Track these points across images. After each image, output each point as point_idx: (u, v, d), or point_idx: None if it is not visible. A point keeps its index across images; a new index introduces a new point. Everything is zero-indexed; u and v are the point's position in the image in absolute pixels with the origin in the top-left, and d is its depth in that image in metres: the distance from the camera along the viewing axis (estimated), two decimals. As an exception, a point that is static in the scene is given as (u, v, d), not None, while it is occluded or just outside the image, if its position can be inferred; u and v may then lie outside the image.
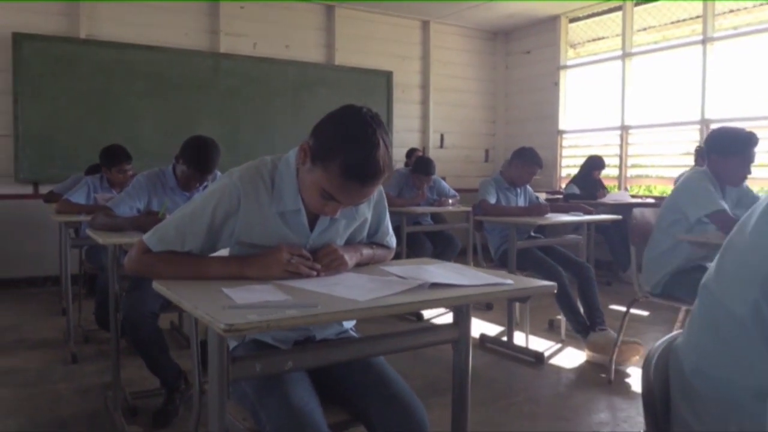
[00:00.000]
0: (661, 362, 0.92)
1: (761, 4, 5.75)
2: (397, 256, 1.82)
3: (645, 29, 6.81)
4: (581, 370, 3.43)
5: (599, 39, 7.40)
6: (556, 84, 7.73)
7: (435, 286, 1.37)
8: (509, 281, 1.44)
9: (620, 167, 6.97)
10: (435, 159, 5.60)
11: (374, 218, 1.71)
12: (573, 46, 7.71)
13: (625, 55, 6.87)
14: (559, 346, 3.88)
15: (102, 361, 3.46)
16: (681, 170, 5.87)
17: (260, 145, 6.51)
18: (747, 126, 3.18)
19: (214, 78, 6.41)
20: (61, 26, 5.80)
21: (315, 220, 1.57)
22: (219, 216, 1.50)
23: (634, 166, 7.00)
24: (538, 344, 3.87)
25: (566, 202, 5.69)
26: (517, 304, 3.94)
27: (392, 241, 1.79)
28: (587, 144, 7.43)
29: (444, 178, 5.98)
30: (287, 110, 6.77)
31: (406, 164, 6.57)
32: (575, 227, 5.02)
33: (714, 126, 5.91)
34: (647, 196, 6.87)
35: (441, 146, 8.03)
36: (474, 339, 3.61)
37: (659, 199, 6.33)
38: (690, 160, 6.01)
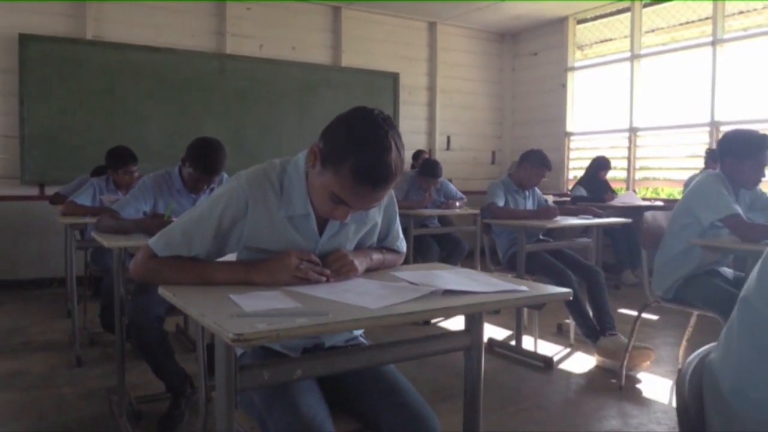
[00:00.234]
0: (695, 378, 0.87)
1: (772, 6, 5.69)
2: (404, 260, 1.78)
3: (653, 31, 6.75)
4: (591, 376, 3.38)
5: (607, 40, 7.35)
6: (564, 86, 7.69)
7: (448, 293, 1.34)
8: (524, 287, 1.41)
9: (628, 169, 6.92)
10: (441, 161, 5.57)
11: (384, 222, 1.68)
12: (580, 47, 7.66)
13: (634, 57, 6.82)
14: (568, 350, 3.84)
15: (107, 365, 3.43)
16: (690, 173, 5.82)
17: (266, 146, 6.49)
18: (758, 128, 3.13)
19: (220, 79, 6.39)
20: (68, 27, 5.79)
21: (324, 225, 1.53)
22: (226, 220, 1.47)
23: (642, 168, 6.95)
24: (547, 349, 3.83)
25: (574, 205, 5.65)
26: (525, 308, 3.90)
27: (402, 245, 1.75)
28: (595, 146, 7.37)
29: (450, 180, 5.94)
30: (293, 112, 6.74)
31: (413, 166, 6.54)
32: (584, 230, 4.97)
33: (724, 128, 5.87)
34: (655, 199, 6.82)
35: (447, 148, 7.99)
36: (482, 343, 3.56)
37: (667, 202, 6.28)
38: (699, 163, 5.95)
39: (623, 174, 6.99)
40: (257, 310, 1.17)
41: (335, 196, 1.38)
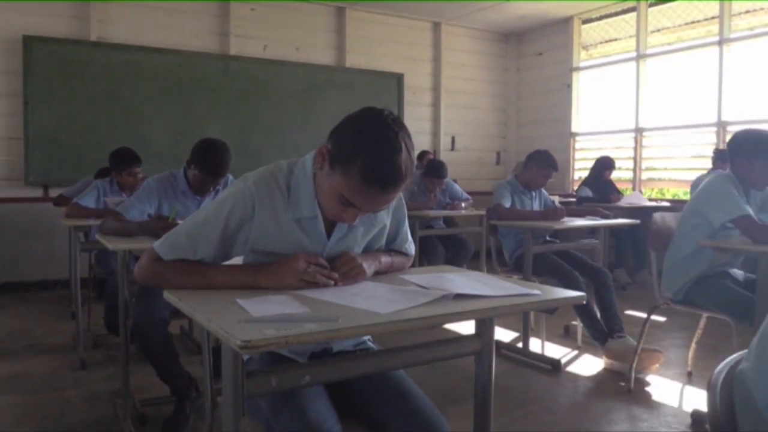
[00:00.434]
0: (725, 388, 0.84)
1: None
2: (410, 262, 1.75)
3: (659, 30, 6.72)
4: (599, 378, 3.35)
5: (612, 40, 7.31)
6: (569, 86, 7.65)
7: (459, 297, 1.31)
8: (536, 291, 1.38)
9: (634, 170, 6.88)
10: (446, 161, 5.53)
11: (393, 224, 1.65)
12: (586, 47, 7.63)
13: (640, 57, 6.78)
14: (575, 352, 3.81)
15: (111, 367, 3.42)
16: (696, 173, 5.78)
17: (270, 147, 6.47)
18: (766, 128, 3.08)
19: (224, 80, 6.38)
20: (72, 29, 5.78)
21: (332, 227, 1.50)
22: (233, 223, 1.44)
23: (648, 169, 6.91)
24: (554, 351, 3.79)
25: (579, 205, 5.62)
26: (533, 310, 3.86)
27: (411, 248, 1.73)
28: (600, 147, 7.33)
29: (455, 181, 5.91)
30: (297, 113, 6.72)
31: (417, 167, 6.51)
32: (590, 231, 4.94)
33: (731, 128, 5.83)
34: (661, 199, 6.78)
35: (452, 149, 7.96)
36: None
37: (673, 202, 6.24)
38: (705, 163, 5.92)
39: (629, 174, 6.95)
40: (265, 315, 1.14)
41: (344, 198, 1.35)
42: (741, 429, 0.81)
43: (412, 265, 1.76)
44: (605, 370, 3.46)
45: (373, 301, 1.26)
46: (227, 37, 6.46)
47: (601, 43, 7.46)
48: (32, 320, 4.57)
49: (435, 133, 7.85)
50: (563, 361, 3.58)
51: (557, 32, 7.76)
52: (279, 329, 1.04)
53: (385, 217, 1.60)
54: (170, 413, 2.62)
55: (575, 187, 7.29)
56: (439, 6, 7.11)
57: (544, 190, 4.17)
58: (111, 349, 3.76)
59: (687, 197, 6.51)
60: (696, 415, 2.76)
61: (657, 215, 3.17)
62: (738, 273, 3.02)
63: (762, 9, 5.80)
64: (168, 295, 1.35)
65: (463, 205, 5.30)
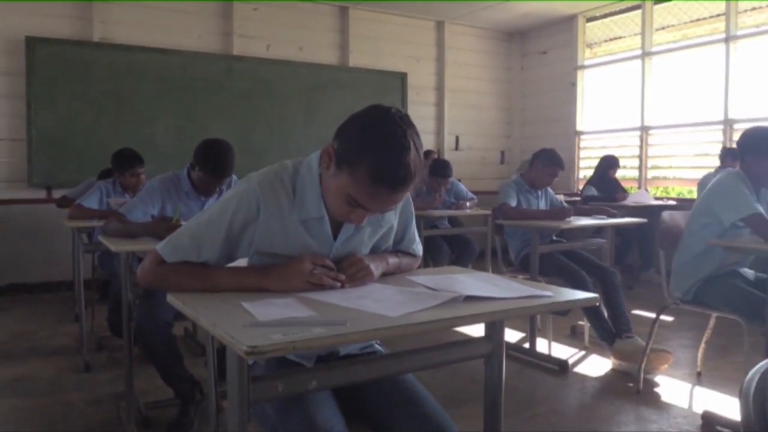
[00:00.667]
0: (759, 395, 0.81)
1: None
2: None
3: (664, 28, 6.67)
4: (607, 379, 3.31)
5: (617, 38, 7.26)
6: (574, 84, 7.61)
7: (469, 298, 1.28)
8: (548, 293, 1.34)
9: (640, 168, 6.84)
10: (450, 161, 5.50)
11: (400, 225, 1.61)
12: (590, 45, 7.58)
13: (645, 55, 6.74)
14: (583, 353, 3.77)
15: (115, 370, 3.39)
16: (703, 172, 5.73)
17: (273, 147, 6.45)
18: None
19: (227, 80, 6.35)
20: (74, 29, 5.76)
21: (338, 228, 1.47)
22: (237, 224, 1.41)
23: (653, 167, 6.86)
24: (561, 351, 3.76)
25: (585, 204, 5.58)
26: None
27: (418, 248, 1.69)
28: (605, 145, 7.28)
29: (460, 180, 5.88)
30: (301, 113, 6.70)
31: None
32: (596, 230, 4.90)
33: (738, 126, 5.78)
34: (667, 198, 6.73)
35: (456, 148, 7.92)
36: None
37: (679, 201, 6.20)
38: (711, 161, 5.87)
39: (634, 173, 6.91)
40: (271, 319, 1.11)
41: (351, 198, 1.32)
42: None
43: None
44: (613, 370, 3.42)
45: (381, 304, 1.23)
46: (230, 37, 6.44)
47: (605, 41, 7.41)
48: (35, 322, 4.56)
49: (439, 133, 7.82)
50: (570, 361, 3.54)
51: (561, 30, 7.71)
52: (286, 334, 1.01)
53: (392, 218, 1.57)
54: (174, 417, 2.60)
55: (580, 186, 7.25)
56: (443, 5, 7.07)
57: (550, 189, 4.14)
58: (114, 352, 3.73)
59: (692, 196, 6.46)
60: (706, 417, 2.72)
61: (666, 214, 3.13)
62: (749, 272, 2.98)
63: (768, 6, 5.76)
64: (172, 299, 1.31)
65: (468, 204, 5.27)
